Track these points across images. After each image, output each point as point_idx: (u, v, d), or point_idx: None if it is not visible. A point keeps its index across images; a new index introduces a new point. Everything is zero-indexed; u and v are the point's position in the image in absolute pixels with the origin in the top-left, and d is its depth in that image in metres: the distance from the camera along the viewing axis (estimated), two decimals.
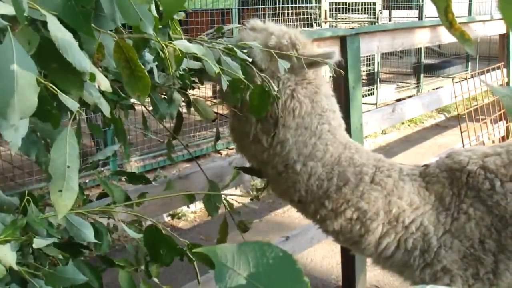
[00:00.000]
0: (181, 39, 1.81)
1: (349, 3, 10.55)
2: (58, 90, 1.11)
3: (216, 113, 2.40)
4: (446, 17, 0.90)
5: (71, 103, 1.14)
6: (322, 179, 2.31)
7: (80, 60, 1.11)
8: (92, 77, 1.19)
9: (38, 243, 1.32)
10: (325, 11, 10.01)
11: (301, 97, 2.28)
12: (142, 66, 1.36)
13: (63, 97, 1.12)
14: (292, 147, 2.29)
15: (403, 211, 2.27)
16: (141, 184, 2.34)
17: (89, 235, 1.47)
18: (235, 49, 1.97)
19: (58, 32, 1.08)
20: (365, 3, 10.89)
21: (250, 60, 2.07)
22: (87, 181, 6.18)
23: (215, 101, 2.74)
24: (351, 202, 2.30)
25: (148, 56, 1.90)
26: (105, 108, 1.37)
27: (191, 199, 2.35)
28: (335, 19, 10.67)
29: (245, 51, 2.08)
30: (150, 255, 1.73)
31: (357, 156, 2.36)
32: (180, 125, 2.44)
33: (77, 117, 1.75)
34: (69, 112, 1.43)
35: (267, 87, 2.10)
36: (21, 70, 1.01)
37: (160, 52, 1.62)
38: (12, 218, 1.36)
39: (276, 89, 2.19)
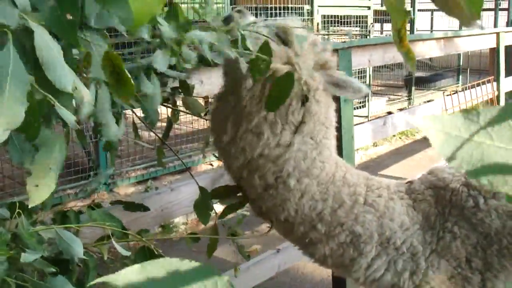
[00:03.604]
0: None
1: (341, 16, 10.61)
2: (55, 102, 1.11)
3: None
4: (398, 33, 0.94)
5: (68, 116, 1.14)
6: (316, 200, 2.16)
7: (61, 78, 1.10)
8: (71, 95, 1.19)
9: (26, 257, 1.32)
10: (317, 23, 10.06)
11: (322, 104, 2.18)
12: (127, 73, 1.38)
13: (60, 109, 1.12)
14: (292, 156, 2.11)
15: (394, 232, 2.19)
16: (139, 211, 2.27)
17: (79, 251, 1.46)
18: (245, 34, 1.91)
19: (44, 47, 1.08)
20: (357, 16, 10.96)
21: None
22: (77, 191, 6.15)
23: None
24: (345, 226, 2.18)
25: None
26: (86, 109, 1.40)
27: (195, 240, 2.24)
28: (327, 31, 10.73)
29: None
30: None
31: (349, 175, 2.25)
32: (169, 131, 2.44)
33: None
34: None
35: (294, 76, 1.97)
36: (14, 83, 1.00)
37: (175, 48, 1.65)
38: (3, 230, 1.36)
39: (304, 79, 2.08)
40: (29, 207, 1.21)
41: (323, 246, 2.21)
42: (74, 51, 1.34)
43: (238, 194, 2.34)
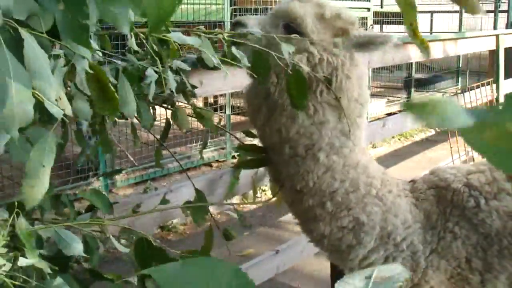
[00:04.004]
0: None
1: None
2: (44, 98, 1.12)
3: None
4: (411, 26, 1.01)
5: (56, 111, 1.15)
6: (336, 178, 2.16)
7: (46, 88, 1.12)
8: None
9: (23, 262, 1.32)
10: None
11: (354, 79, 2.15)
12: (113, 89, 1.40)
13: (48, 105, 1.13)
14: (327, 133, 2.12)
15: (396, 228, 2.20)
16: (116, 174, 2.30)
17: (78, 248, 1.46)
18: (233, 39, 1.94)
19: (32, 56, 1.08)
20: (356, 17, 10.96)
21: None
22: (76, 192, 6.14)
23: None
24: (352, 211, 2.18)
25: (149, 71, 1.93)
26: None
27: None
28: None
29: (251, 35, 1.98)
30: (141, 268, 1.71)
31: (371, 166, 2.26)
32: (167, 133, 2.43)
33: (67, 124, 1.78)
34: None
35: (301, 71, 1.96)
36: (18, 84, 1.02)
37: (154, 46, 1.66)
38: (2, 231, 1.36)
39: (309, 69, 2.03)
40: (26, 209, 1.22)
41: (324, 225, 2.21)
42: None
43: (262, 154, 2.34)
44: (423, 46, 1.30)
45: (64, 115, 1.22)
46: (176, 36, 1.75)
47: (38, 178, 1.21)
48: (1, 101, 1.00)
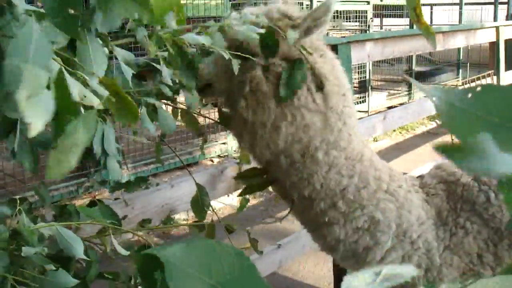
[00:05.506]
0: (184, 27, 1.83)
1: (340, 11, 10.59)
2: (87, 78, 1.10)
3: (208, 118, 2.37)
4: (415, 12, 1.01)
5: (101, 91, 1.14)
6: (343, 175, 2.08)
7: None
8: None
9: (27, 251, 1.32)
10: None
11: (327, 72, 2.04)
12: (129, 98, 1.37)
13: (93, 84, 1.11)
14: (317, 132, 2.04)
15: (411, 225, 2.15)
16: (141, 186, 2.29)
17: (79, 250, 1.46)
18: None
19: None
20: (356, 11, 10.94)
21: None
22: (78, 188, 6.15)
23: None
24: (366, 210, 2.11)
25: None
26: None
27: (201, 229, 2.28)
28: None
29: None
30: (142, 279, 1.69)
31: (376, 159, 2.19)
32: None
33: None
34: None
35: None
36: (38, 50, 0.99)
37: (169, 48, 1.66)
38: (3, 228, 1.36)
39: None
40: (46, 178, 1.14)
41: (339, 228, 2.13)
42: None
43: (263, 176, 2.30)
44: (428, 33, 1.25)
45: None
46: (190, 38, 1.74)
47: (67, 154, 1.13)
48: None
